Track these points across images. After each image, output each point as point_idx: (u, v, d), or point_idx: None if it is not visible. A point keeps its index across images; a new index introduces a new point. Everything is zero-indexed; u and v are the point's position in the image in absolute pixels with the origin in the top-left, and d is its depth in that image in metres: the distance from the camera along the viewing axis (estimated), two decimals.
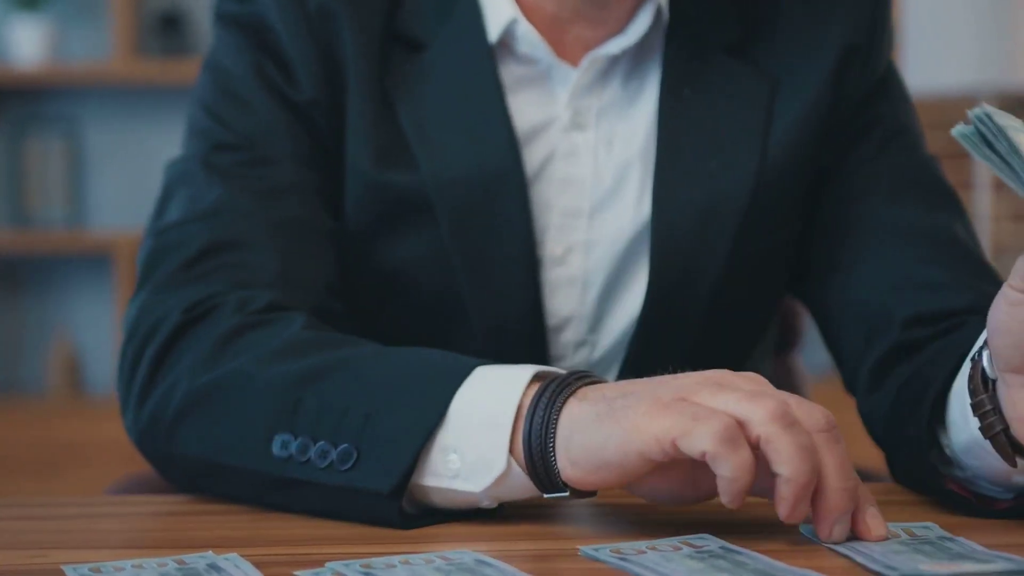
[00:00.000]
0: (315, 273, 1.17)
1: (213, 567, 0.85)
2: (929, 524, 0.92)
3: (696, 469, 0.88)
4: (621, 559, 0.84)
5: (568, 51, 1.23)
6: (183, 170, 1.20)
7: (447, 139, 1.21)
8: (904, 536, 0.90)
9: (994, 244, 3.68)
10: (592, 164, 1.23)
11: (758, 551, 0.85)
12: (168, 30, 3.86)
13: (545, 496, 0.93)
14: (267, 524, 0.96)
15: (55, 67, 3.77)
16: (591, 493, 0.93)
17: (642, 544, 0.87)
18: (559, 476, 0.91)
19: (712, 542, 0.87)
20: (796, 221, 1.26)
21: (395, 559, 0.85)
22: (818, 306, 1.28)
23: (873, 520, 0.88)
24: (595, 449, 0.89)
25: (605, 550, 0.86)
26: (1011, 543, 0.89)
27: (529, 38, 1.21)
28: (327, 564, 0.84)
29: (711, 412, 0.85)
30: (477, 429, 0.93)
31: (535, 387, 0.93)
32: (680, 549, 0.86)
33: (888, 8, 1.28)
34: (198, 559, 0.86)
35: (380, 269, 1.23)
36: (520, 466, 0.92)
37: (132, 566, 0.85)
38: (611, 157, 1.23)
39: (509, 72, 1.23)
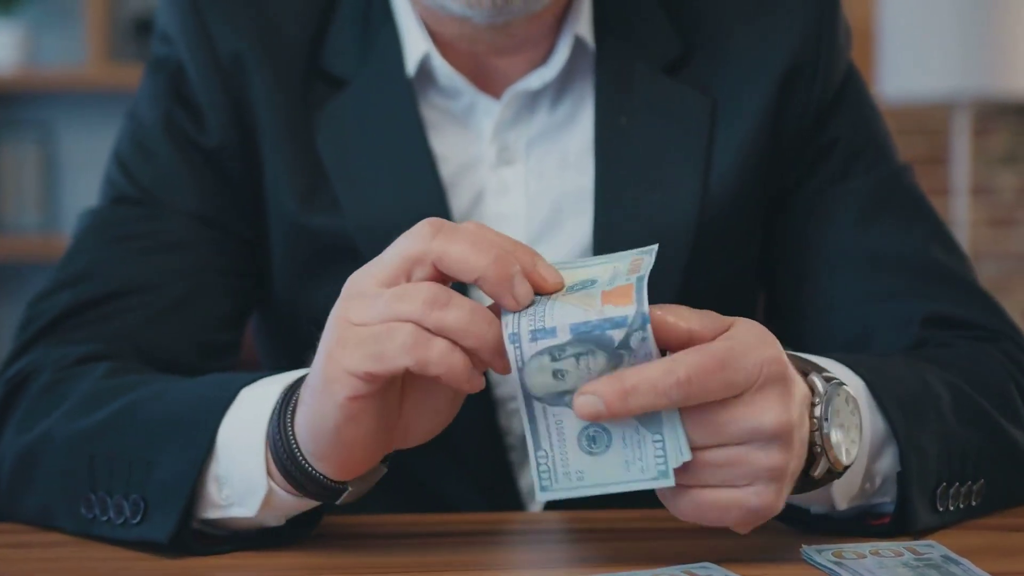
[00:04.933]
0: (180, 328, 1.16)
1: None
2: (932, 543, 0.92)
3: (408, 388, 0.87)
4: None
5: (491, 83, 1.21)
6: (81, 229, 1.21)
7: (370, 181, 1.19)
8: (908, 555, 0.89)
9: (972, 249, 3.70)
10: (524, 198, 1.21)
11: None
12: (143, 35, 3.84)
13: (336, 503, 0.91)
14: (263, 552, 0.94)
15: (29, 72, 3.74)
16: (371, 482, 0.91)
17: (645, 573, 0.86)
18: (325, 478, 0.89)
19: (715, 571, 0.86)
20: (749, 249, 1.24)
21: None
22: (795, 341, 1.25)
23: (546, 271, 0.84)
24: (320, 429, 0.87)
25: None
26: (1015, 570, 0.88)
27: (444, 71, 1.20)
28: None
29: (386, 329, 0.83)
30: (239, 455, 0.93)
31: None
32: None
33: (835, 21, 1.23)
34: None
35: (314, 311, 1.21)
36: (280, 484, 0.91)
37: None
38: (544, 187, 1.21)
39: (432, 106, 1.21)
